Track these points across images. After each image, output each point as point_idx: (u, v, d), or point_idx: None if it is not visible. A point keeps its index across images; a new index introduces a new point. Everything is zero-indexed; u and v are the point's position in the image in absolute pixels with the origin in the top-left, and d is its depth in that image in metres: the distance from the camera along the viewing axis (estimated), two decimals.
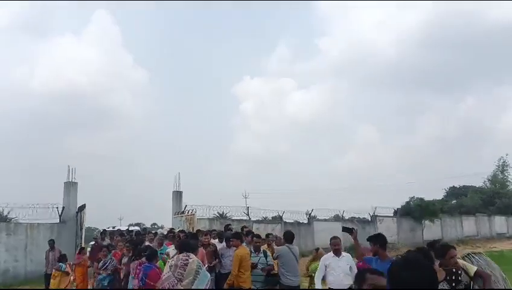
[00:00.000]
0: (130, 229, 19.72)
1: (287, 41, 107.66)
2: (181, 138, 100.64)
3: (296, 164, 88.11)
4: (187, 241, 6.89)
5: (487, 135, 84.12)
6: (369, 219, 27.66)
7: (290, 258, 7.99)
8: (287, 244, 8.14)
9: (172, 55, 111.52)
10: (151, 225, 54.08)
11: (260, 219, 23.77)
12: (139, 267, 6.92)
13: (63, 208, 17.13)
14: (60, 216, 17.07)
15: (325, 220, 25.68)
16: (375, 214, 27.79)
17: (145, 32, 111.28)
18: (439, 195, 48.13)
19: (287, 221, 24.52)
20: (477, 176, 63.42)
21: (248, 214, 22.92)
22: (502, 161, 44.76)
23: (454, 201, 45.71)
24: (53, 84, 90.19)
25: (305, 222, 24.91)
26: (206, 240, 9.50)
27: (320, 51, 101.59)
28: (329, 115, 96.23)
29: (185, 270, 4.94)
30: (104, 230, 19.00)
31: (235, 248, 8.17)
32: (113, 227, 20.00)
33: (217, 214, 24.18)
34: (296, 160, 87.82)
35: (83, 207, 16.07)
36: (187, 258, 5.05)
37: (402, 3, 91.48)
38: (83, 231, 15.62)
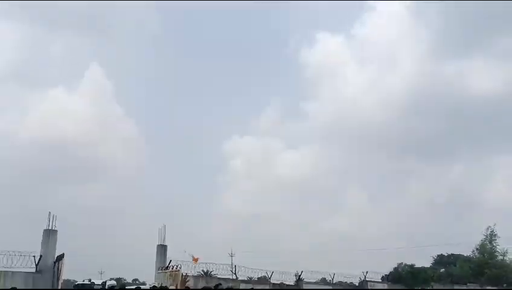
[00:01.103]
0: (106, 283, 18.57)
1: (276, 102, 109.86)
2: (168, 192, 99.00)
3: (284, 224, 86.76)
4: None
5: (475, 203, 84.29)
6: (359, 284, 26.67)
7: None
8: None
9: (164, 111, 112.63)
10: (132, 281, 51.77)
11: (246, 278, 22.77)
12: None
13: (40, 256, 16.08)
14: (36, 265, 15.98)
15: (314, 282, 24.69)
16: (366, 279, 26.83)
17: (137, 86, 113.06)
18: (427, 262, 47.46)
19: (275, 282, 23.49)
20: (465, 245, 63.02)
21: (235, 273, 21.90)
22: (489, 230, 44.36)
23: (443, 269, 44.91)
24: (42, 134, 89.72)
25: (292, 284, 23.87)
26: None
27: (308, 113, 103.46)
28: (318, 177, 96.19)
29: None
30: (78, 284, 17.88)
31: None
32: (89, 280, 18.76)
33: (201, 272, 23.14)
34: (284, 220, 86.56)
35: (61, 257, 15.12)
36: None
37: (388, 68, 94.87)
38: (60, 282, 14.58)
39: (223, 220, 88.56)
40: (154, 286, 12.59)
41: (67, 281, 20.89)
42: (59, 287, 14.36)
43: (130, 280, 55.36)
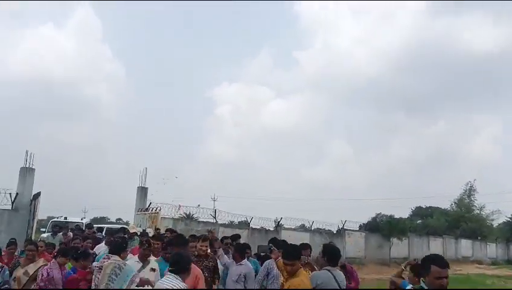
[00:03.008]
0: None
1: (268, 50, 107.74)
2: (153, 134, 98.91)
3: (267, 171, 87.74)
4: (119, 241, 5.94)
5: (456, 159, 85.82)
6: (336, 232, 27.16)
7: None
8: (328, 267, 4.90)
9: (152, 52, 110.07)
10: (116, 220, 51.87)
11: (227, 222, 22.99)
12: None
13: (17, 194, 15.85)
14: (12, 203, 15.79)
15: (293, 229, 25.08)
16: (344, 227, 27.34)
17: (125, 27, 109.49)
18: (405, 213, 48.59)
19: (254, 227, 23.81)
20: (443, 199, 64.59)
21: (215, 217, 22.07)
22: (469, 185, 45.28)
23: (420, 221, 46.05)
24: (27, 71, 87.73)
25: (272, 229, 24.21)
26: (204, 247, 6.44)
27: (300, 63, 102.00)
28: (304, 127, 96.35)
29: (100, 275, 4.64)
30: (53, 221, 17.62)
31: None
32: (65, 218, 18.54)
33: (183, 215, 23.27)
34: (267, 168, 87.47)
35: (37, 195, 14.90)
36: (104, 261, 4.99)
37: (382, 22, 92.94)
38: (35, 220, 14.46)
39: (207, 166, 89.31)
40: (144, 230, 12.47)
41: (51, 217, 20.54)
42: (34, 225, 14.23)
43: (113, 219, 55.75)
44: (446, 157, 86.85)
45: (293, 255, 4.87)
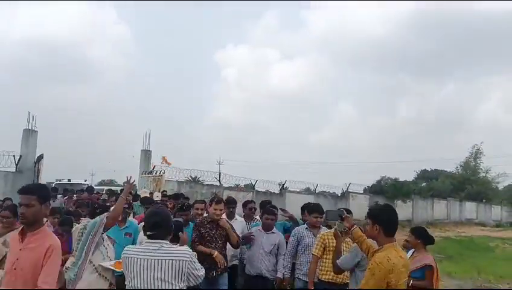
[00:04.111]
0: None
1: (274, 10, 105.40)
2: (157, 98, 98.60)
3: (272, 135, 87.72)
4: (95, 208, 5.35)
5: (463, 122, 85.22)
6: (341, 195, 27.23)
7: None
8: None
9: (158, 15, 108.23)
10: (124, 183, 51.86)
11: (232, 185, 23.02)
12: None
13: (20, 156, 15.81)
14: (16, 165, 15.77)
15: (297, 192, 25.12)
16: (348, 190, 27.36)
17: None
18: (410, 176, 48.54)
19: (259, 190, 23.86)
20: (449, 161, 64.46)
21: (220, 180, 22.08)
22: (476, 148, 44.98)
23: (425, 184, 46.03)
24: (32, 32, 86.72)
25: (277, 192, 24.26)
26: (218, 211, 5.36)
27: (306, 24, 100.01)
28: (310, 90, 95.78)
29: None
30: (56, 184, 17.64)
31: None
32: (69, 180, 18.54)
33: (190, 177, 23.24)
34: (273, 131, 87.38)
35: (40, 157, 14.85)
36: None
37: None
38: (39, 182, 14.46)
39: (213, 129, 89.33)
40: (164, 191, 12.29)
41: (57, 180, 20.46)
42: None
43: (121, 182, 55.95)
44: (453, 120, 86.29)
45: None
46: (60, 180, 19.53)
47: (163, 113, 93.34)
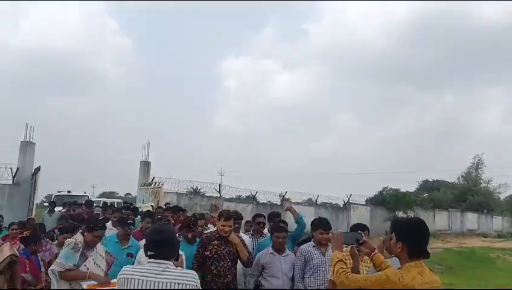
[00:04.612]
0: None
1: (275, 21, 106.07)
2: (158, 109, 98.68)
3: (273, 146, 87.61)
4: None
5: (464, 133, 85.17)
6: (343, 206, 27.00)
7: None
8: None
9: (159, 25, 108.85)
10: (125, 195, 50.92)
11: (234, 197, 22.85)
12: None
13: (17, 169, 15.64)
14: (13, 177, 15.59)
15: (298, 203, 24.89)
16: (350, 201, 27.14)
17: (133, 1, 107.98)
18: (412, 187, 48.35)
19: (260, 201, 23.68)
20: (450, 172, 64.24)
21: (219, 191, 21.89)
22: (477, 158, 44.79)
23: (426, 194, 45.79)
24: (33, 44, 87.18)
25: (278, 203, 24.05)
26: (226, 228, 4.79)
27: (307, 36, 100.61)
28: (311, 100, 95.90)
29: None
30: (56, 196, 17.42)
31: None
32: (68, 191, 18.38)
33: (191, 189, 23.03)
34: (273, 142, 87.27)
35: (38, 169, 14.66)
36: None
37: None
38: (35, 195, 14.27)
39: (213, 140, 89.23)
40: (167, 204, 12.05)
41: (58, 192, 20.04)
42: (35, 199, 14.05)
43: (122, 194, 55.46)
44: (454, 131, 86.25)
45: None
46: (60, 192, 19.33)
47: (163, 124, 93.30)
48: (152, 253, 2.65)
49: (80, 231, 4.86)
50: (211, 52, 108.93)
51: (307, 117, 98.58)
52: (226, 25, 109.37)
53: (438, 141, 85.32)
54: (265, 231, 6.37)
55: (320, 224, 4.89)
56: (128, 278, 2.56)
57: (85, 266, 4.11)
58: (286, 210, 6.24)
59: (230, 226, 4.81)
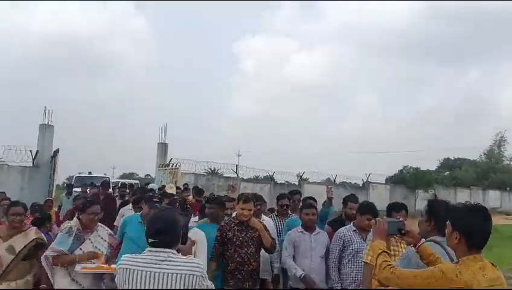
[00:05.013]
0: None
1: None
2: (176, 90, 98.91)
3: (292, 126, 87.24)
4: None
5: (488, 110, 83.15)
6: (361, 185, 26.77)
7: None
8: (436, 237, 2.94)
9: (175, 6, 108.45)
10: (145, 176, 50.99)
11: (252, 177, 22.81)
12: None
13: (37, 151, 15.83)
14: (33, 160, 15.80)
15: (316, 183, 24.75)
16: (369, 180, 26.87)
17: None
18: (433, 166, 47.65)
19: (278, 181, 23.61)
20: (473, 150, 63.14)
21: (237, 172, 21.87)
22: (499, 135, 43.92)
23: (448, 172, 45.16)
24: (49, 27, 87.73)
25: (296, 183, 23.95)
26: (246, 211, 4.44)
27: (326, 13, 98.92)
28: (330, 79, 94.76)
29: None
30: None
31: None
32: (89, 173, 18.64)
33: (209, 170, 23.09)
34: (292, 123, 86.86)
35: (56, 152, 14.82)
36: None
37: None
38: (55, 177, 14.45)
39: (232, 122, 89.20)
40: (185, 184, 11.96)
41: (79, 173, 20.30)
42: (54, 181, 14.24)
43: (142, 175, 55.71)
44: (477, 108, 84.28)
45: None
46: (81, 173, 19.63)
47: (181, 105, 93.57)
48: (152, 241, 2.51)
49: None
50: (228, 32, 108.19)
51: (326, 97, 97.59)
52: (242, 4, 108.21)
53: (461, 118, 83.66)
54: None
55: (369, 210, 4.58)
56: (127, 269, 2.45)
57: (80, 249, 3.99)
58: (330, 198, 5.99)
59: (250, 210, 4.48)
